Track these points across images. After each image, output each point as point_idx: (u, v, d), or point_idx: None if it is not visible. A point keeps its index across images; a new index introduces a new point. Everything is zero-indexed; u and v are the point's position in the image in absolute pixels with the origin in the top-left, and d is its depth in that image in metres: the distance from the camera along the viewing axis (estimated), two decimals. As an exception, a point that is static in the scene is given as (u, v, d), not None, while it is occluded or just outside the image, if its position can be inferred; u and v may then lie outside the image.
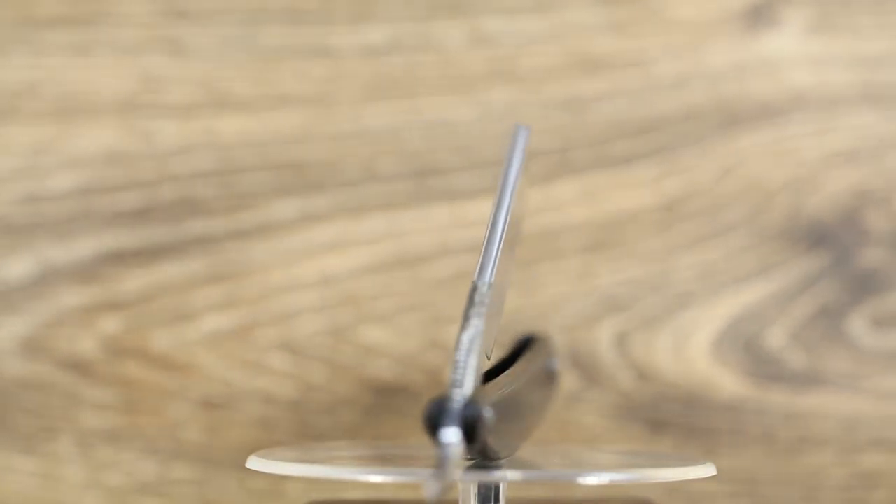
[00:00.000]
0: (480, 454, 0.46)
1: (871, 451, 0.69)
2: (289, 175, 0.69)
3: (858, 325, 0.69)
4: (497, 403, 0.45)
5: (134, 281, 0.69)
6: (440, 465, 0.41)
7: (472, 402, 0.43)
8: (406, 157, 0.69)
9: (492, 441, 0.45)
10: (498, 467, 0.47)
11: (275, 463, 0.49)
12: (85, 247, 0.69)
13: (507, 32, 0.69)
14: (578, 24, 0.69)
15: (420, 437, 0.45)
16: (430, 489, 0.41)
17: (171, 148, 0.69)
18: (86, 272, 0.68)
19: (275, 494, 0.68)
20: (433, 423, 0.42)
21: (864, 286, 0.69)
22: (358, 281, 0.69)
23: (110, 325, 0.68)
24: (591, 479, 0.46)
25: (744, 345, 0.69)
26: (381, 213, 0.69)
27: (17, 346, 0.68)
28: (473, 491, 0.49)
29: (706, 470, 0.50)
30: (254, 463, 0.50)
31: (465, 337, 0.45)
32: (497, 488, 0.49)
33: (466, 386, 0.43)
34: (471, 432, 0.42)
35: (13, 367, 0.68)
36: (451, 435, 0.42)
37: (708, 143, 0.69)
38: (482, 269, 0.47)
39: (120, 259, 0.69)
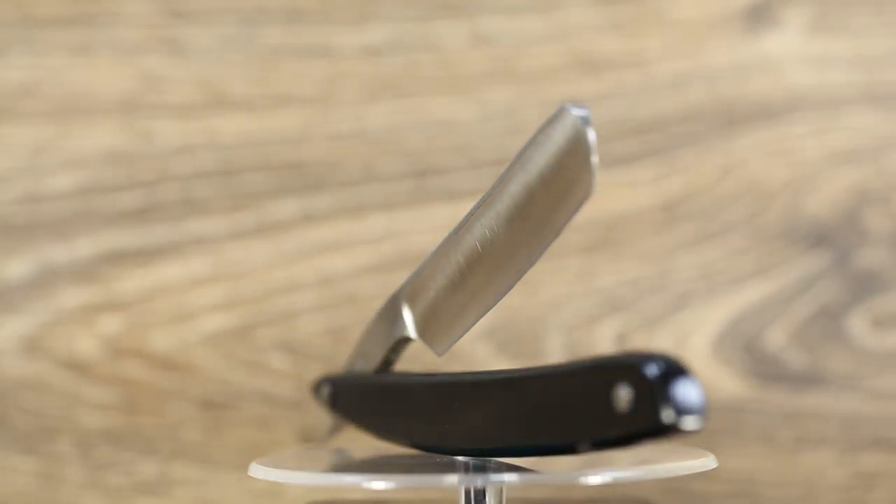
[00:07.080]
0: None
1: (871, 451, 0.69)
2: (289, 175, 0.69)
3: (858, 325, 0.69)
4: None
5: (134, 281, 0.68)
6: None
7: None
8: (406, 157, 0.69)
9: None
10: (498, 470, 0.47)
11: (276, 471, 0.49)
12: (85, 247, 0.68)
13: (507, 32, 0.69)
14: (579, 24, 0.69)
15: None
16: None
17: (171, 148, 0.69)
18: (86, 272, 0.68)
19: (274, 494, 0.68)
20: None
21: (864, 286, 0.69)
22: (358, 281, 0.69)
23: (110, 325, 0.68)
24: (595, 479, 0.46)
25: (744, 345, 0.69)
26: (381, 213, 0.69)
27: (17, 345, 0.68)
28: (472, 493, 0.49)
29: (708, 462, 0.50)
30: (255, 470, 0.50)
31: None
32: (498, 490, 0.49)
33: None
34: None
35: (13, 367, 0.68)
36: None
37: (708, 143, 0.69)
38: None
39: (120, 259, 0.68)
